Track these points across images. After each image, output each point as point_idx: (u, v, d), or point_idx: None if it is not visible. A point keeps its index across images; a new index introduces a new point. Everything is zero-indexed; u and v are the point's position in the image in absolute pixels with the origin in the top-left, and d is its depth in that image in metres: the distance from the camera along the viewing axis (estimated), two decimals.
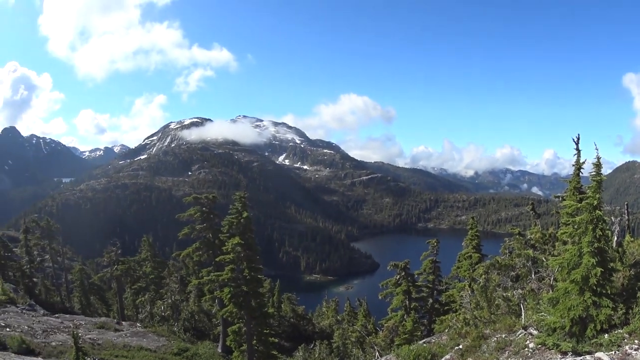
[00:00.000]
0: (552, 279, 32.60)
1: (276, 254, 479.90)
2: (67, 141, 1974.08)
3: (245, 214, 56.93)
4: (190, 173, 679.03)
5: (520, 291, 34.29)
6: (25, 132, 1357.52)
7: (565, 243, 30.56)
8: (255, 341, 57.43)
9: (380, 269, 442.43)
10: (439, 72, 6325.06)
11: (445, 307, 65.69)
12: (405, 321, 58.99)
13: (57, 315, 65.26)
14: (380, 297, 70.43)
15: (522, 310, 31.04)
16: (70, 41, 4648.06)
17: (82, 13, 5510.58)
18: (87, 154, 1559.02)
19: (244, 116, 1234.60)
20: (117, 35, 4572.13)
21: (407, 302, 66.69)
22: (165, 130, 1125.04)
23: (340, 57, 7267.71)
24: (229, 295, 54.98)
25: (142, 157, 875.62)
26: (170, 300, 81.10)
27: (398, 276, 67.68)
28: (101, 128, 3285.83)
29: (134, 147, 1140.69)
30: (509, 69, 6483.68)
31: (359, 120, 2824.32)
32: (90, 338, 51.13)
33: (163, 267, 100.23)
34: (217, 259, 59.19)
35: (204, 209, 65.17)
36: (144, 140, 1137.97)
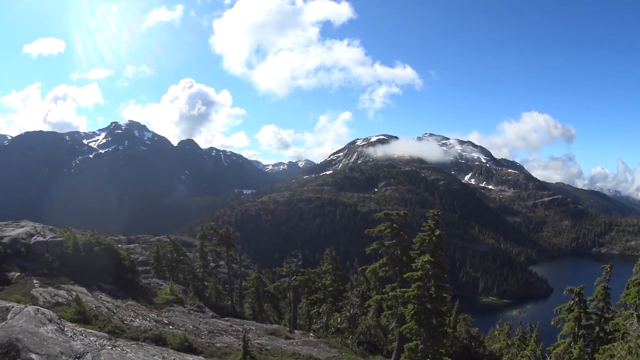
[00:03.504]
0: None
1: (456, 274, 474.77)
2: (249, 155, 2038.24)
3: (437, 232, 54.99)
4: (376, 190, 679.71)
5: None
6: (204, 145, 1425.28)
7: None
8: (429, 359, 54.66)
9: (554, 294, 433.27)
10: (616, 87, 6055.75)
11: (609, 336, 63.55)
12: (572, 348, 58.46)
13: (226, 318, 66.80)
14: (552, 323, 69.44)
15: None
16: (245, 59, 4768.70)
17: (255, 32, 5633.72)
18: (270, 167, 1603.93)
19: (431, 134, 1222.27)
20: (296, 53, 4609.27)
21: (576, 329, 64.92)
22: (351, 146, 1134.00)
23: (522, 72, 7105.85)
24: (412, 312, 53.47)
25: (328, 172, 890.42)
26: (348, 314, 79.77)
27: (572, 302, 66.30)
28: (285, 143, 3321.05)
29: (319, 163, 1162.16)
30: None
31: (542, 139, 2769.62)
32: (259, 343, 52.07)
33: (344, 281, 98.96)
34: (404, 276, 57.37)
35: (394, 225, 62.56)
36: (329, 156, 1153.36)
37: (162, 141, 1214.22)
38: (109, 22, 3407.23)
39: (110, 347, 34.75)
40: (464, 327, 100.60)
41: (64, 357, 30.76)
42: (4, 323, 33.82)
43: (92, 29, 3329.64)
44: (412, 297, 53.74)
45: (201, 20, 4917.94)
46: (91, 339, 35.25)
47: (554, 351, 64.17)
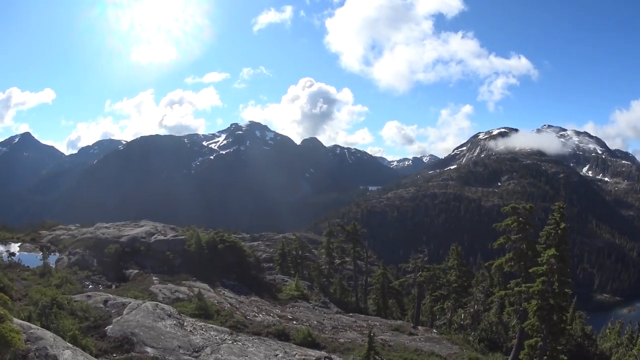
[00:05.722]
0: None
1: (574, 270, 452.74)
2: (374, 151, 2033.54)
3: (562, 225, 53.81)
4: (499, 184, 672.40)
5: None
6: (327, 143, 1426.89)
7: None
8: (546, 357, 53.67)
9: None
10: None
11: None
12: None
13: (350, 314, 67.59)
14: None
15: None
16: (362, 56, 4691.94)
17: (368, 28, 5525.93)
18: (394, 163, 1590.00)
19: (549, 126, 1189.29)
20: (412, 47, 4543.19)
21: None
22: (473, 140, 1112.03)
23: (631, 58, 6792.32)
24: (535, 308, 52.52)
25: (452, 167, 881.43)
26: (472, 310, 79.54)
27: None
28: (409, 138, 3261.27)
29: (443, 158, 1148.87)
30: None
31: None
32: (382, 339, 52.37)
33: (468, 277, 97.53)
34: (530, 270, 56.72)
35: (520, 219, 62.15)
36: (453, 151, 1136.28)
37: (285, 140, 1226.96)
38: (217, 27, 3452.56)
39: (230, 342, 35.88)
40: (579, 325, 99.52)
41: (181, 351, 31.84)
42: (119, 318, 35.37)
43: (202, 35, 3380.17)
44: (535, 292, 52.62)
45: (312, 20, 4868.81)
46: (212, 333, 36.57)
47: None
